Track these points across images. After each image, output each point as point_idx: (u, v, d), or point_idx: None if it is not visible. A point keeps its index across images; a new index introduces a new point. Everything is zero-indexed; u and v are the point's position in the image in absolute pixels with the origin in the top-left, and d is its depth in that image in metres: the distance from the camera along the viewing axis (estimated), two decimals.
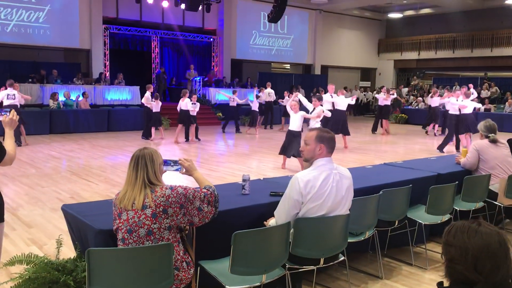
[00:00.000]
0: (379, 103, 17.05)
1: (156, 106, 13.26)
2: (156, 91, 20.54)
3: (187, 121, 13.12)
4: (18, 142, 11.10)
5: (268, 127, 17.56)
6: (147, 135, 13.58)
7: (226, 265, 2.83)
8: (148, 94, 13.23)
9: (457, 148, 11.48)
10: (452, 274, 1.52)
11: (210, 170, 8.94)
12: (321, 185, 3.11)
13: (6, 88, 11.64)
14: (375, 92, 24.88)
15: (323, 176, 3.13)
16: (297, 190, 3.09)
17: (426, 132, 16.47)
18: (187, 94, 13.23)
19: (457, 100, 11.45)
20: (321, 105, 9.38)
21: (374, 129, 16.40)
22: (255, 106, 15.96)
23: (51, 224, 5.46)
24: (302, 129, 8.85)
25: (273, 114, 17.89)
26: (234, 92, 16.09)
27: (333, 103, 12.30)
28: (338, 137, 12.30)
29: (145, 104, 13.32)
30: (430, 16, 25.31)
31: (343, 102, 12.38)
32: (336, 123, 11.85)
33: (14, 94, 11.52)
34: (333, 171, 3.18)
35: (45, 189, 7.23)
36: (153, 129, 13.59)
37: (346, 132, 12.31)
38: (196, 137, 13.42)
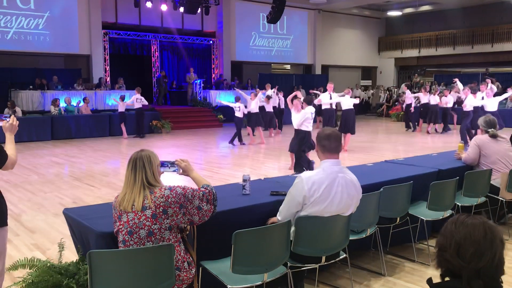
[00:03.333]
0: (420, 102, 16.34)
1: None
2: (157, 95, 20.78)
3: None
4: None
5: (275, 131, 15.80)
6: (142, 133, 14.84)
7: (228, 264, 2.84)
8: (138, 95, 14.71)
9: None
10: (441, 262, 1.61)
11: (212, 172, 8.96)
12: (325, 190, 3.08)
13: None
14: (397, 90, 24.32)
15: (328, 180, 3.09)
16: (300, 192, 3.08)
17: (427, 131, 15.69)
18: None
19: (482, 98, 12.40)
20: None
21: (414, 128, 16.57)
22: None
23: (54, 229, 5.47)
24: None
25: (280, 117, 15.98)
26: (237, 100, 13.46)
27: (337, 102, 12.20)
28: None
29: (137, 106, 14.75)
30: (430, 13, 25.30)
31: (348, 101, 11.75)
32: (346, 122, 11.60)
33: None
34: (339, 174, 3.14)
35: (48, 194, 7.25)
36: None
37: (352, 131, 11.75)
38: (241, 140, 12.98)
